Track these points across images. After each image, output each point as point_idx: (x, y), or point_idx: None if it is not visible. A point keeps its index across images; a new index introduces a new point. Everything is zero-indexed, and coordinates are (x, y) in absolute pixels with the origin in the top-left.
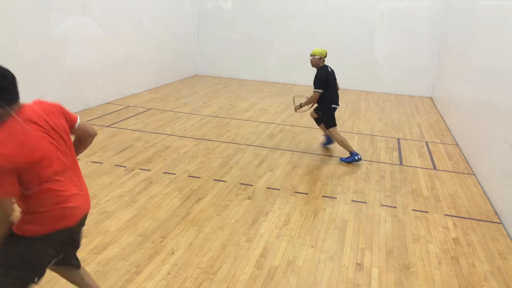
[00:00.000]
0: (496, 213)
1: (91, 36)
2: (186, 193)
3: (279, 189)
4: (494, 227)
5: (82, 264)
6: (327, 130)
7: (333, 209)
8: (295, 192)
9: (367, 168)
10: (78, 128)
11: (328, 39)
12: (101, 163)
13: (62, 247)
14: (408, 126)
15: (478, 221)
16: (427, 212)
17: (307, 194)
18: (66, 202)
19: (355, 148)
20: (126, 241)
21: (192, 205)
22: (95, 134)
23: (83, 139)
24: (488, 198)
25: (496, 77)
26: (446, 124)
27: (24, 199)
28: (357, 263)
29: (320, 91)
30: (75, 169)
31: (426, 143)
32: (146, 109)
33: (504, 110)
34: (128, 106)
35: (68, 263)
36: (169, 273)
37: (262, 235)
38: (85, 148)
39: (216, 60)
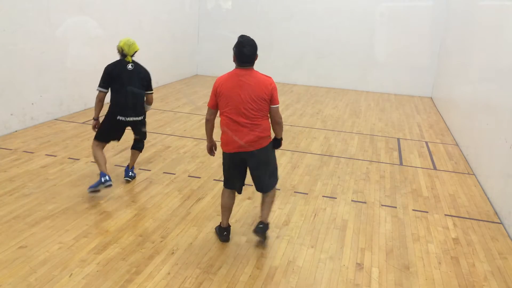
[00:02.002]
0: (496, 213)
1: (91, 36)
2: (186, 193)
3: (279, 189)
4: (494, 227)
5: (82, 264)
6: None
7: (333, 209)
8: (295, 192)
9: (367, 168)
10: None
11: (328, 39)
12: None
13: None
14: (408, 126)
15: (478, 221)
16: (427, 212)
17: (307, 194)
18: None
19: (355, 148)
20: (126, 241)
21: (192, 205)
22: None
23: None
24: (488, 198)
25: (496, 77)
26: (446, 124)
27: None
28: (357, 263)
29: (103, 90)
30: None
31: (426, 143)
32: None
33: (504, 110)
34: None
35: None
36: (169, 273)
37: None
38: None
39: (216, 60)
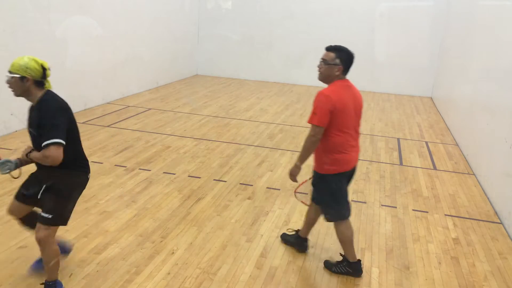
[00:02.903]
0: (496, 213)
1: (91, 36)
2: (186, 193)
3: (279, 189)
4: (494, 227)
5: (82, 264)
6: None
7: None
8: (295, 192)
9: (367, 168)
10: None
11: (328, 39)
12: (101, 163)
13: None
14: (408, 126)
15: (478, 221)
16: (427, 212)
17: (307, 194)
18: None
19: None
20: (126, 241)
21: (192, 205)
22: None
23: None
24: (488, 198)
25: (496, 77)
26: (446, 124)
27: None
28: None
29: (59, 141)
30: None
31: (426, 143)
32: (146, 109)
33: (504, 110)
34: (128, 106)
35: None
36: (169, 273)
37: (262, 235)
38: None
39: (216, 60)
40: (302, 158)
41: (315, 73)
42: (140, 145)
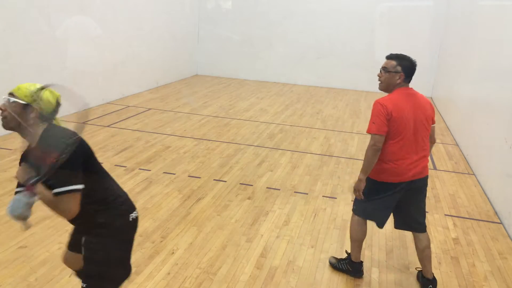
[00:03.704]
0: (496, 213)
1: (91, 36)
2: (186, 193)
3: (279, 189)
4: (494, 227)
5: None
6: None
7: (333, 209)
8: (295, 192)
9: None
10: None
11: (328, 39)
12: (101, 163)
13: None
14: None
15: (478, 221)
16: (427, 212)
17: (307, 194)
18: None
19: (355, 148)
20: None
21: (192, 205)
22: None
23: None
24: (488, 198)
25: (496, 77)
26: (446, 124)
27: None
28: None
29: (78, 187)
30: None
31: None
32: (146, 109)
33: (504, 110)
34: (128, 106)
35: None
36: (169, 273)
37: (262, 235)
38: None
39: (216, 60)
40: (365, 169)
41: (315, 73)
42: (140, 145)
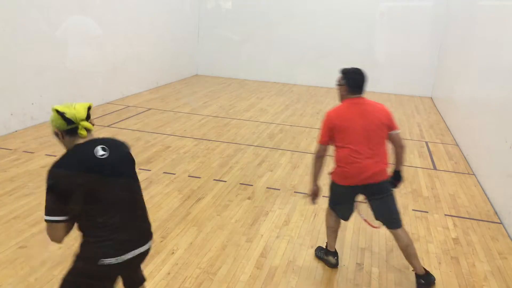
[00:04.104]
0: (496, 213)
1: (91, 36)
2: (186, 193)
3: (279, 189)
4: (494, 227)
5: None
6: None
7: None
8: (295, 192)
9: None
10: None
11: (328, 39)
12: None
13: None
14: (408, 126)
15: (478, 221)
16: (427, 212)
17: (307, 194)
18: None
19: None
20: None
21: (192, 205)
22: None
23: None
24: (488, 198)
25: (496, 77)
26: (446, 124)
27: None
28: (357, 263)
29: (58, 219)
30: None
31: (426, 143)
32: (146, 109)
33: (504, 110)
34: (128, 106)
35: None
36: (169, 273)
37: (262, 235)
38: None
39: (216, 60)
40: (312, 175)
41: (315, 73)
42: (140, 145)
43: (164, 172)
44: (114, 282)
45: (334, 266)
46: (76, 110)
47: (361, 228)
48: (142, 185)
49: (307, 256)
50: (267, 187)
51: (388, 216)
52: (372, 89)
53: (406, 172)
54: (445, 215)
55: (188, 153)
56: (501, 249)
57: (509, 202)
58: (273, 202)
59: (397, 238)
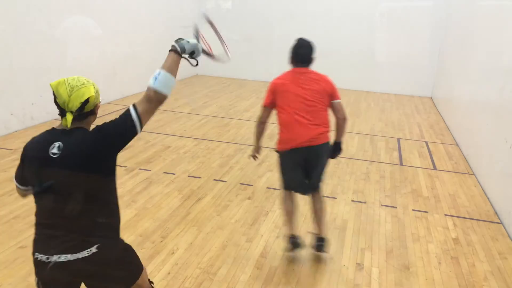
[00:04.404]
0: (496, 213)
1: (91, 36)
2: (186, 193)
3: (279, 189)
4: (494, 227)
5: None
6: None
7: (333, 209)
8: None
9: (367, 168)
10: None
11: (328, 39)
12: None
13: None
14: (408, 126)
15: (478, 221)
16: (427, 212)
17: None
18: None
19: (355, 148)
20: (126, 241)
21: (192, 205)
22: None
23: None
24: (488, 198)
25: (496, 77)
26: (446, 124)
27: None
28: (357, 263)
29: (17, 185)
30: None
31: (426, 143)
32: None
33: (504, 110)
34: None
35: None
36: (169, 273)
37: (262, 235)
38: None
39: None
40: (254, 137)
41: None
42: (140, 145)
43: (164, 172)
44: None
45: (296, 247)
46: (70, 99)
47: (361, 228)
48: (142, 185)
49: (307, 256)
50: (267, 187)
51: (315, 180)
52: (372, 89)
53: (406, 172)
54: (445, 215)
55: (188, 153)
56: (501, 249)
57: (509, 202)
58: (273, 202)
59: (313, 201)
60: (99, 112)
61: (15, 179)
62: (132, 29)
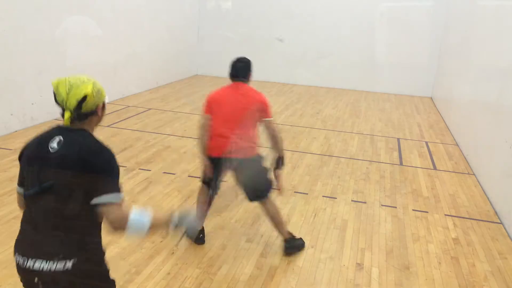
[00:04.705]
0: (496, 213)
1: (91, 36)
2: (186, 193)
3: (279, 189)
4: (494, 227)
5: None
6: None
7: (333, 209)
8: (295, 192)
9: (367, 168)
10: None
11: (328, 39)
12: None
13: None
14: (408, 126)
15: (478, 221)
16: (427, 212)
17: (307, 194)
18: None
19: (355, 148)
20: (126, 241)
21: (192, 205)
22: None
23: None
24: (488, 198)
25: (496, 77)
26: (446, 124)
27: None
28: (357, 263)
29: (17, 188)
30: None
31: (426, 143)
32: (146, 109)
33: (504, 110)
34: (128, 106)
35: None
36: (169, 273)
37: (262, 235)
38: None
39: (216, 60)
40: (200, 149)
41: (315, 73)
42: (140, 145)
43: (164, 172)
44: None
45: (196, 240)
46: (68, 97)
47: (361, 228)
48: (142, 185)
49: (307, 256)
50: None
51: (250, 190)
52: (372, 89)
53: (406, 172)
54: (445, 215)
55: (188, 153)
56: (501, 249)
57: (509, 202)
58: None
59: (263, 209)
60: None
61: (17, 183)
62: (132, 29)
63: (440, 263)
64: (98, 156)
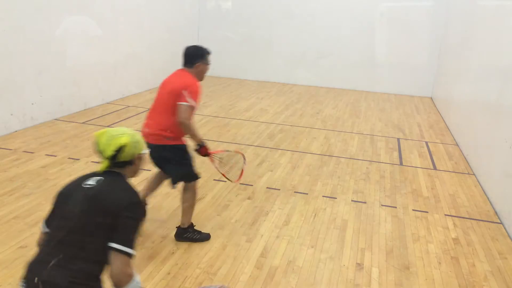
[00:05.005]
0: (496, 213)
1: (91, 36)
2: None
3: (279, 189)
4: (494, 227)
5: None
6: None
7: (333, 209)
8: (295, 192)
9: (367, 168)
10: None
11: (328, 39)
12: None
13: None
14: (408, 126)
15: (478, 221)
16: (427, 212)
17: (307, 194)
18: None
19: (355, 148)
20: None
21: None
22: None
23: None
24: (488, 198)
25: (496, 77)
26: (446, 124)
27: None
28: (357, 263)
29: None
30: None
31: (426, 143)
32: (146, 109)
33: (504, 110)
34: (128, 106)
35: None
36: (169, 273)
37: (262, 235)
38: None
39: (216, 60)
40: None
41: (315, 73)
42: None
43: None
44: None
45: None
46: (106, 146)
47: (361, 228)
48: (142, 185)
49: (307, 256)
50: (267, 187)
51: (170, 177)
52: (372, 89)
53: (406, 172)
54: (445, 215)
55: None
56: (501, 249)
57: (509, 202)
58: (273, 202)
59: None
60: (99, 112)
61: (44, 221)
62: (132, 29)
63: (440, 263)
64: (132, 208)
